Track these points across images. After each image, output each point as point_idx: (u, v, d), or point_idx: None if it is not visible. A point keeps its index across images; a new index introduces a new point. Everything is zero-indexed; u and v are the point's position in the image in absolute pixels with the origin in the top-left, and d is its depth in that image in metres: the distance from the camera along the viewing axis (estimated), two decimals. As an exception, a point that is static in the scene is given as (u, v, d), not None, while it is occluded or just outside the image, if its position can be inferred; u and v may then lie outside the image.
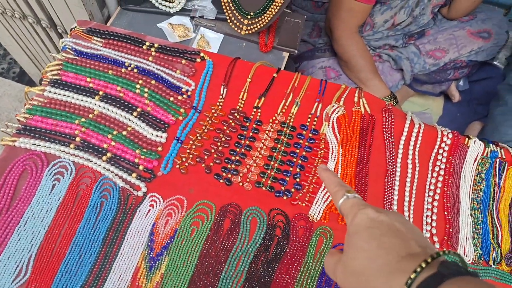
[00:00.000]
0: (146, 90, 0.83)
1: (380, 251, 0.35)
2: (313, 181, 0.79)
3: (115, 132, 0.78)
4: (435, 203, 0.80)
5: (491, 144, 0.87)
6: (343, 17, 1.29)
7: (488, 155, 0.85)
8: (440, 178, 0.83)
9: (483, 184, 0.83)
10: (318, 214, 0.76)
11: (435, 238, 0.77)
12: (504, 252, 0.77)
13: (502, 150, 0.86)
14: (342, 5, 1.24)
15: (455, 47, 1.51)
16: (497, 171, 0.84)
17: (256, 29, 1.00)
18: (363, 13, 1.28)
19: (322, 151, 0.82)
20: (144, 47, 0.88)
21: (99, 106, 0.81)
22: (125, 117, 0.80)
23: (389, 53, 1.48)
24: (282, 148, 0.82)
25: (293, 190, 0.78)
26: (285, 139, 0.83)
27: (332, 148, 0.83)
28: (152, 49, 0.88)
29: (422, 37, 1.51)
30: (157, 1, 1.01)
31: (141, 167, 0.76)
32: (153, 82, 0.84)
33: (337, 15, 1.30)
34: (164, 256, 0.69)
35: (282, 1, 0.93)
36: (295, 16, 1.05)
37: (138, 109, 0.81)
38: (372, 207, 0.39)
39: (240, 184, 0.77)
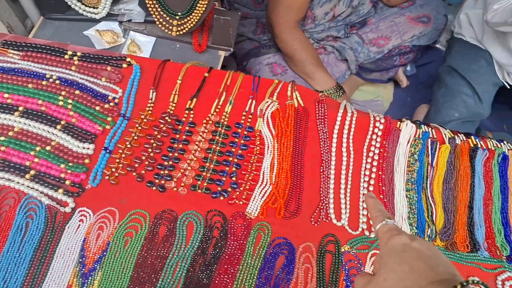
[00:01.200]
0: (69, 101, 0.82)
1: (411, 275, 0.38)
2: (250, 178, 0.80)
3: (38, 148, 0.76)
4: (371, 188, 0.83)
5: (422, 126, 0.91)
6: (282, 13, 1.31)
7: (420, 136, 0.89)
8: (375, 163, 0.86)
9: (416, 165, 0.86)
10: (256, 210, 0.77)
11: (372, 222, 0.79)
12: (438, 228, 0.81)
13: (433, 130, 0.91)
14: (280, 0, 1.27)
15: (397, 34, 1.56)
16: (429, 151, 0.88)
17: (187, 29, 1.00)
18: (301, 7, 1.31)
19: (258, 148, 0.83)
20: (66, 56, 0.86)
21: (20, 122, 0.78)
22: (48, 131, 0.78)
23: (333, 44, 1.52)
24: (218, 148, 0.82)
25: (229, 189, 0.78)
26: (220, 139, 0.83)
27: (268, 144, 0.84)
28: (75, 58, 0.87)
29: (364, 26, 1.56)
30: (80, 8, 0.99)
31: (67, 182, 0.74)
32: (77, 92, 0.83)
33: (276, 11, 1.32)
34: (97, 271, 0.68)
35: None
36: (228, 14, 1.06)
37: (62, 122, 0.80)
38: (407, 234, 0.43)
39: (175, 189, 0.77)
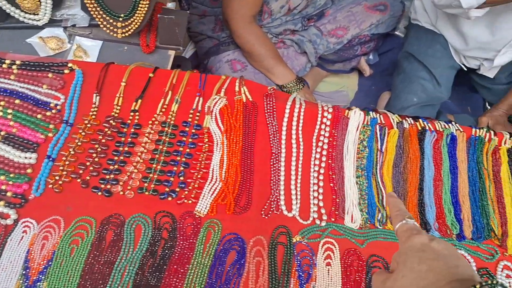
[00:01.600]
0: (9, 111, 0.80)
1: (429, 274, 0.39)
2: (199, 176, 0.80)
3: (-24, 161, 0.75)
4: (321, 177, 0.84)
5: (371, 112, 0.92)
6: (236, 9, 1.31)
7: (369, 123, 0.91)
8: (324, 152, 0.87)
9: (366, 151, 0.88)
10: (205, 208, 0.77)
11: (323, 211, 0.81)
12: (389, 212, 0.82)
13: (381, 116, 0.92)
14: None
15: (355, 23, 1.58)
16: (378, 136, 0.90)
17: (132, 30, 0.99)
18: (256, 2, 1.32)
19: (206, 145, 0.83)
20: (4, 65, 0.85)
21: (-44, 136, 0.76)
22: (-14, 143, 0.76)
23: (292, 38, 1.53)
24: (165, 148, 0.82)
25: (178, 189, 0.78)
26: (167, 139, 0.83)
27: (217, 140, 0.84)
28: (14, 66, 0.85)
29: (322, 18, 1.57)
30: (20, 15, 0.97)
31: (9, 194, 0.73)
32: (17, 101, 0.81)
33: (230, 7, 1.32)
34: (42, 282, 0.67)
35: (149, -1, 0.92)
36: (174, 13, 1.06)
37: (2, 133, 0.78)
38: (426, 233, 0.44)
39: (121, 193, 0.77)
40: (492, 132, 0.94)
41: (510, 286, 0.80)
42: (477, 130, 0.94)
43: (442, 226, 0.83)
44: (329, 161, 0.87)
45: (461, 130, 0.94)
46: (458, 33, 1.40)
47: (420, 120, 0.93)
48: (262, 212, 0.79)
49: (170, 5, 1.49)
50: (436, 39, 1.48)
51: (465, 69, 1.50)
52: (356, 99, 1.86)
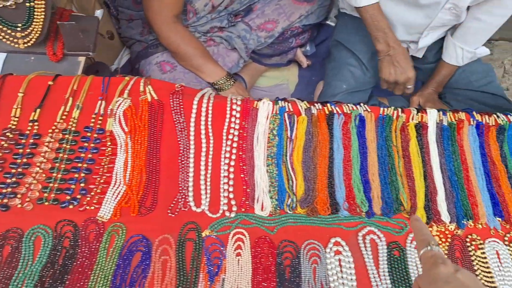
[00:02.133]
0: None
1: None
2: (102, 181, 0.79)
3: None
4: (232, 169, 0.85)
5: (279, 101, 0.94)
6: (156, 10, 1.31)
7: (278, 112, 0.92)
8: (235, 145, 0.88)
9: (276, 140, 0.89)
10: (109, 213, 0.76)
11: (233, 202, 0.81)
12: (299, 196, 0.84)
13: (290, 104, 0.94)
14: None
15: (284, 16, 1.61)
16: (288, 124, 0.91)
17: (34, 40, 0.97)
18: (175, 2, 1.31)
19: (109, 149, 0.82)
20: None
21: None
22: None
23: (220, 35, 1.53)
24: (65, 156, 0.81)
25: (79, 196, 0.77)
26: (68, 147, 0.82)
27: (120, 143, 0.83)
28: None
29: (250, 13, 1.59)
30: None
31: None
32: None
33: (150, 8, 1.32)
34: None
35: (44, 5, 0.91)
36: (85, 18, 1.05)
37: None
38: (451, 263, 0.46)
39: (20, 205, 0.75)
40: (399, 110, 0.98)
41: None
42: (385, 109, 0.97)
43: (352, 205, 0.85)
44: (240, 153, 0.88)
45: (369, 110, 0.97)
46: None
47: (328, 104, 0.95)
48: (169, 211, 0.79)
49: (99, 12, 1.48)
50: (363, 26, 1.51)
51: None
52: (297, 91, 1.88)
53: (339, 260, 0.80)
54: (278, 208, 0.83)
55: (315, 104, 0.95)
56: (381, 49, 1.29)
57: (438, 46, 1.48)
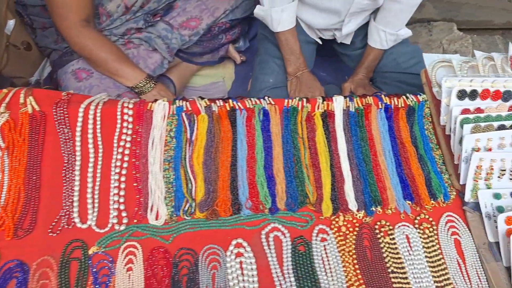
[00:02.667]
0: None
1: None
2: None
3: None
4: (123, 179, 0.81)
5: (177, 101, 0.90)
6: (63, 15, 1.24)
7: (175, 112, 0.88)
8: (127, 152, 0.83)
9: (173, 143, 0.85)
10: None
11: (124, 214, 0.77)
12: (198, 200, 0.80)
13: (188, 103, 0.90)
14: (54, 2, 1.20)
15: (207, 12, 1.57)
16: (187, 124, 0.87)
17: None
18: (81, 4, 1.25)
19: (-17, 169, 0.76)
20: None
21: None
22: None
23: (139, 36, 1.48)
24: None
25: None
26: None
27: (-4, 162, 0.77)
28: None
29: (171, 11, 1.54)
30: None
31: None
32: None
33: (57, 15, 1.25)
34: None
35: None
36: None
37: None
38: None
39: None
40: (304, 100, 0.95)
41: (324, 249, 0.81)
42: (289, 101, 0.95)
43: (255, 203, 0.82)
44: (133, 160, 0.83)
45: (273, 103, 0.94)
46: (304, 6, 1.41)
47: (230, 100, 0.92)
48: (50, 230, 0.73)
49: (11, 22, 1.40)
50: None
51: (320, 42, 1.54)
52: (234, 88, 1.85)
53: (240, 262, 0.77)
54: (175, 215, 0.79)
55: (216, 101, 0.92)
56: (290, 71, 1.38)
57: (365, 31, 1.48)
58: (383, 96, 0.99)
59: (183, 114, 0.88)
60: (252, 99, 0.94)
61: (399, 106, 0.99)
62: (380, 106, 0.98)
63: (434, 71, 1.01)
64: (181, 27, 1.53)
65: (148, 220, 0.78)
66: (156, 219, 0.78)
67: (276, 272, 0.77)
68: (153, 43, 1.48)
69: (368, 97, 0.99)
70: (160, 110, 0.88)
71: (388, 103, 0.98)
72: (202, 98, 0.92)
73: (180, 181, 0.82)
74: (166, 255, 0.75)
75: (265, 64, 1.49)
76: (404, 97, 1.00)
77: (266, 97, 0.95)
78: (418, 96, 1.01)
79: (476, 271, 0.83)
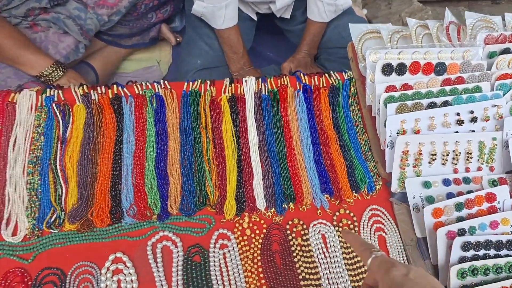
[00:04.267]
0: None
1: None
2: None
3: None
4: (-27, 188, 0.68)
5: (48, 89, 0.77)
6: None
7: (44, 104, 0.75)
8: (-19, 154, 0.70)
9: (41, 140, 0.73)
10: None
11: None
12: (69, 209, 0.69)
13: (61, 91, 0.77)
14: None
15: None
16: (59, 117, 0.75)
17: None
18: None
19: None
20: None
21: None
22: None
23: (45, 17, 1.32)
24: None
25: None
26: None
27: None
28: None
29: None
30: None
31: None
32: None
33: None
34: None
35: None
36: None
37: None
38: (400, 264, 0.48)
39: None
40: (208, 82, 0.84)
41: (224, 257, 0.70)
42: (189, 84, 0.83)
43: (140, 209, 0.71)
44: (-11, 165, 0.70)
45: (169, 87, 0.82)
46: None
47: (115, 86, 0.80)
48: None
49: None
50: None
51: (255, 18, 1.42)
52: (171, 72, 1.72)
53: (119, 281, 0.66)
54: (38, 229, 0.67)
55: (97, 88, 0.79)
56: (234, 70, 1.31)
57: (305, 4, 1.37)
58: (301, 75, 0.88)
59: (54, 105, 0.76)
60: (143, 83, 0.82)
61: (321, 86, 0.88)
62: (298, 87, 0.88)
63: (361, 44, 0.90)
64: (97, 5, 1.38)
65: (3, 236, 0.65)
66: (14, 235, 0.66)
67: (162, 290, 0.66)
68: (62, 25, 1.32)
69: (284, 77, 0.88)
70: (26, 102, 0.75)
71: (307, 83, 0.88)
72: (81, 85, 0.79)
73: (47, 187, 0.70)
74: (25, 278, 0.64)
75: (192, 44, 1.37)
76: (326, 75, 0.90)
77: (161, 81, 0.83)
78: (343, 73, 0.91)
79: (403, 271, 0.74)
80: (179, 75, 1.35)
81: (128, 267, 0.67)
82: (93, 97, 0.78)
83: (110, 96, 0.79)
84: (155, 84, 0.82)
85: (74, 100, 0.77)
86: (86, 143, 0.75)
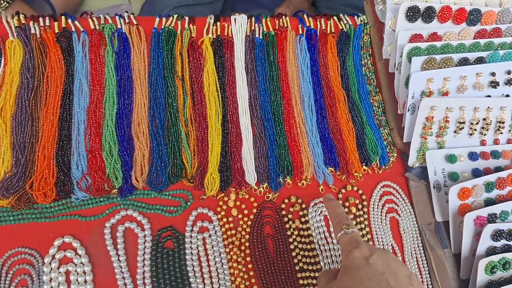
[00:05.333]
0: None
1: None
2: None
3: None
4: None
5: (-29, 18, 0.57)
6: None
7: (-36, 37, 0.56)
8: None
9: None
10: None
11: None
12: (0, 178, 0.53)
13: (-10, 21, 0.58)
14: None
15: None
16: (-13, 57, 0.56)
17: None
18: None
19: None
20: None
21: None
22: None
23: None
24: None
25: None
26: None
27: None
28: None
29: None
30: None
31: None
32: None
33: None
34: None
35: None
36: None
37: None
38: (365, 246, 0.46)
39: None
40: (186, 19, 0.66)
41: (204, 243, 0.57)
42: (162, 20, 0.65)
43: (96, 181, 0.55)
44: None
45: (136, 22, 0.64)
46: None
47: (63, 17, 0.61)
48: None
49: None
50: None
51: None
52: (144, 12, 1.49)
53: (67, 272, 0.52)
54: (-46, 205, 0.51)
55: (40, 20, 0.60)
56: None
57: None
58: (304, 16, 0.71)
59: (-20, 40, 0.57)
60: (101, 16, 0.63)
61: (328, 31, 0.72)
62: (300, 32, 0.71)
63: (380, -19, 0.73)
64: None
65: None
66: None
67: (125, 283, 0.53)
68: None
69: (283, 17, 0.70)
70: None
71: (312, 26, 0.71)
72: (21, 15, 0.60)
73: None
74: None
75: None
76: (335, 18, 0.73)
77: (125, 14, 0.64)
78: (355, 18, 0.74)
79: (417, 260, 0.64)
80: (152, 14, 1.14)
81: (80, 256, 0.53)
82: (33, 31, 0.59)
83: (57, 31, 0.60)
84: (116, 17, 0.64)
85: (6, 34, 0.58)
86: (24, 92, 0.57)
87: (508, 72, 0.68)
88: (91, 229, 0.55)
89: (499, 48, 0.69)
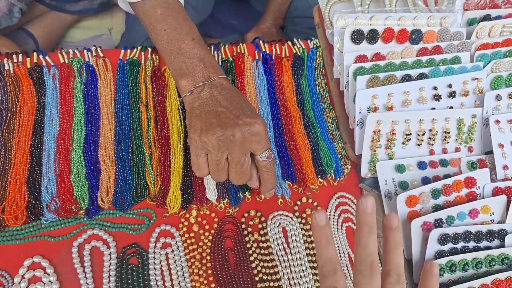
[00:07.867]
0: None
1: None
2: None
3: None
4: None
5: None
6: None
7: None
8: None
9: None
10: None
11: None
12: None
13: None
14: None
15: None
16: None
17: None
18: None
19: None
20: None
21: None
22: None
23: (-33, -27, 1.13)
24: None
25: None
26: None
27: None
28: None
29: None
30: None
31: None
32: None
33: None
34: None
35: None
36: None
37: None
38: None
39: None
40: (150, 50, 0.71)
41: (167, 258, 0.60)
42: (128, 51, 0.70)
43: (65, 203, 0.59)
44: None
45: (102, 55, 0.69)
46: None
47: (35, 53, 0.66)
48: None
49: None
50: None
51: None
52: (124, 41, 1.56)
53: (36, 291, 0.55)
54: None
55: (13, 56, 0.66)
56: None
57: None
58: (260, 42, 0.77)
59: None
60: (70, 50, 0.69)
61: (283, 55, 0.78)
62: (257, 57, 0.76)
63: (329, 8, 0.79)
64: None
65: None
66: None
67: (91, 299, 0.56)
68: (-12, -16, 1.14)
69: (241, 44, 0.76)
70: None
71: (268, 52, 0.77)
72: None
73: None
74: None
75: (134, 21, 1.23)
76: (289, 43, 0.79)
77: (92, 47, 0.70)
78: (309, 41, 0.80)
79: (373, 266, 0.67)
80: (129, 45, 1.20)
81: (49, 274, 0.56)
82: (7, 67, 0.64)
83: (29, 66, 0.65)
84: (84, 51, 0.69)
85: (-22, 70, 0.64)
86: (-5, 124, 0.62)
87: (450, 86, 0.73)
88: (60, 248, 0.58)
89: (440, 64, 0.74)
